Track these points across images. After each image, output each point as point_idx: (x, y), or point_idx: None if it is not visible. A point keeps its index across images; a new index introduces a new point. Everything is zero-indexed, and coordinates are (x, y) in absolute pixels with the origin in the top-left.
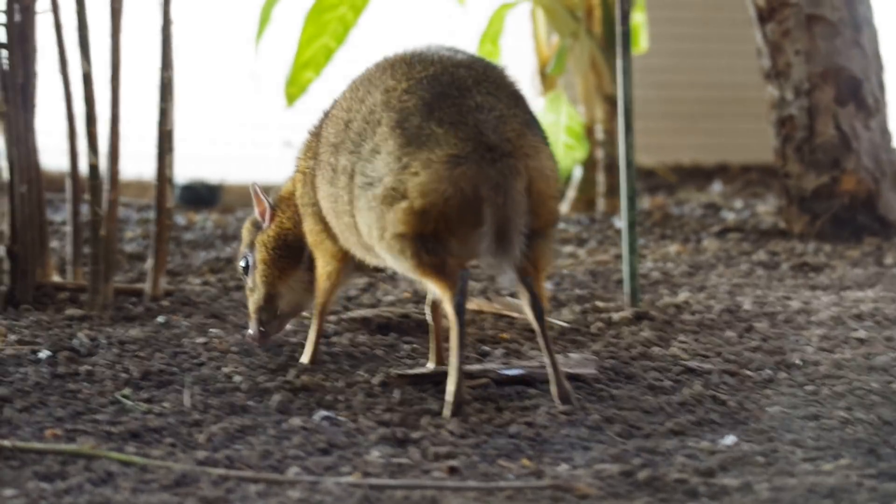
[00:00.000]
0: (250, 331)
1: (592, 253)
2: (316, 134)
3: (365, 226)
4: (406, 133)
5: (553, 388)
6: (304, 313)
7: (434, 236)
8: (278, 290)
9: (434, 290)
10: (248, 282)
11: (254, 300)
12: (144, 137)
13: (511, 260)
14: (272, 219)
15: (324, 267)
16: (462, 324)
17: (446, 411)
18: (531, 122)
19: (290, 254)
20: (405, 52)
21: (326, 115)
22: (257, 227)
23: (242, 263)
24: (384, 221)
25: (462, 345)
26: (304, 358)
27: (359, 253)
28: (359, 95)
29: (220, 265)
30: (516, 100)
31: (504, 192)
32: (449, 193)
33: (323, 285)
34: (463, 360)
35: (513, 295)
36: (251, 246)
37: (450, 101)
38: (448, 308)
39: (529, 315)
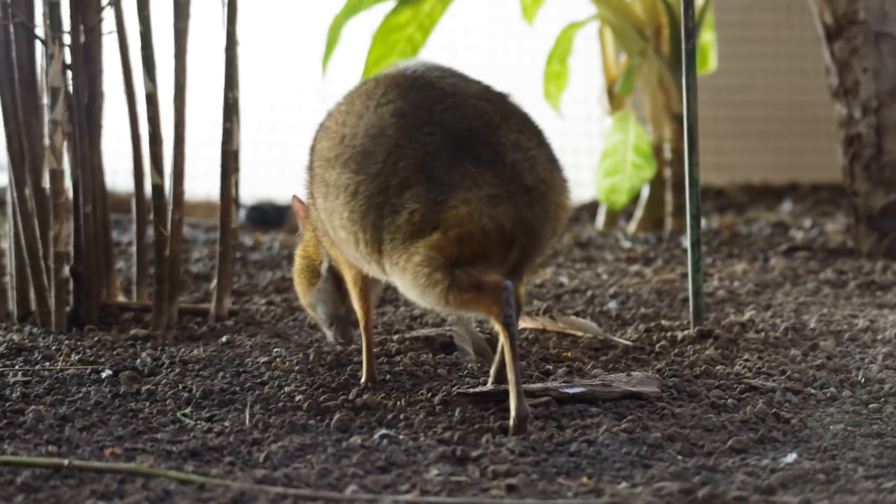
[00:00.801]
0: (328, 338)
1: (659, 272)
2: (311, 146)
3: (387, 255)
4: (437, 171)
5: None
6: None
7: (465, 260)
8: (309, 300)
9: (478, 312)
10: None
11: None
12: (214, 158)
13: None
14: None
15: (348, 274)
16: (514, 337)
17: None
18: (552, 155)
19: (312, 265)
20: (406, 70)
21: (321, 126)
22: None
23: None
24: (409, 250)
25: (517, 359)
26: (363, 377)
27: (357, 265)
28: (355, 110)
29: (285, 285)
30: (538, 134)
31: (535, 236)
32: (489, 227)
33: (353, 293)
34: (521, 374)
35: (578, 314)
36: None
37: (481, 139)
38: (497, 325)
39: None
